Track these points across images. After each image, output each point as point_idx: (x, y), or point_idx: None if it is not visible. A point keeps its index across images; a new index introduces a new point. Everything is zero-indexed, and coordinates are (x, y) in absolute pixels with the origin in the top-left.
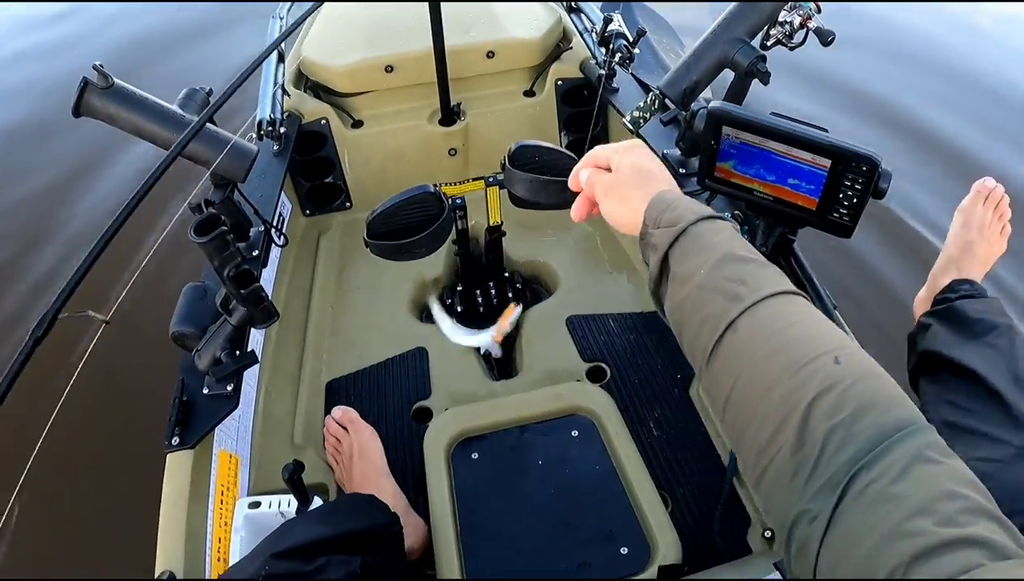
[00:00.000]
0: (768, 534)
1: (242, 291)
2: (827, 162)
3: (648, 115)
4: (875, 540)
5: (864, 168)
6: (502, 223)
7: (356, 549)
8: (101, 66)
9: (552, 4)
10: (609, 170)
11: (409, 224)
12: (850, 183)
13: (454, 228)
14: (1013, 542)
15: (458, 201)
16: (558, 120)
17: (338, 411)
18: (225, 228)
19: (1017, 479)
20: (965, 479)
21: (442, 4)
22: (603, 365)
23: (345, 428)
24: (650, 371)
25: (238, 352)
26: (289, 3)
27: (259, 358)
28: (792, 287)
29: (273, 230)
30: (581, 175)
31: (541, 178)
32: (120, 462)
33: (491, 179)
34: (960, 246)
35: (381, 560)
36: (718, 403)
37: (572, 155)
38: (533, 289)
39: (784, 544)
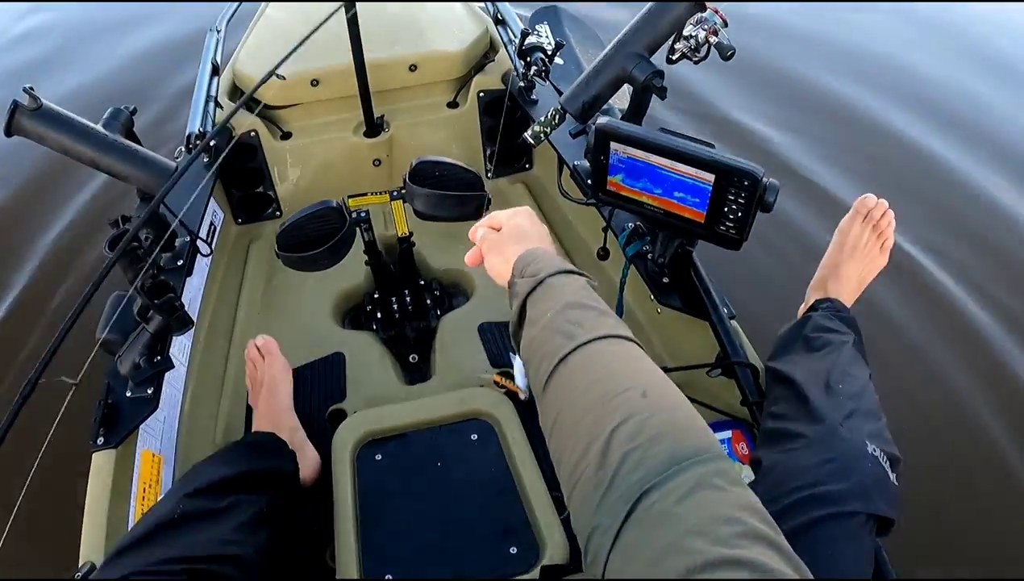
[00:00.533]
0: None
1: (156, 301)
2: (711, 177)
3: (549, 129)
4: (653, 554)
5: (746, 182)
6: (411, 234)
7: (261, 487)
8: (31, 89)
9: (482, 15)
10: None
11: (315, 237)
12: (734, 197)
13: (362, 240)
14: (787, 566)
15: (361, 214)
16: (480, 131)
17: (260, 339)
18: (136, 243)
19: (798, 462)
20: (748, 506)
21: (370, 18)
22: (510, 371)
23: (264, 357)
24: None
25: (157, 358)
26: (228, 17)
27: (185, 362)
28: (627, 334)
29: (199, 240)
30: (477, 232)
31: (438, 193)
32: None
33: (395, 194)
34: (830, 267)
35: (286, 498)
36: (547, 430)
37: (472, 169)
38: (452, 296)
39: (583, 555)
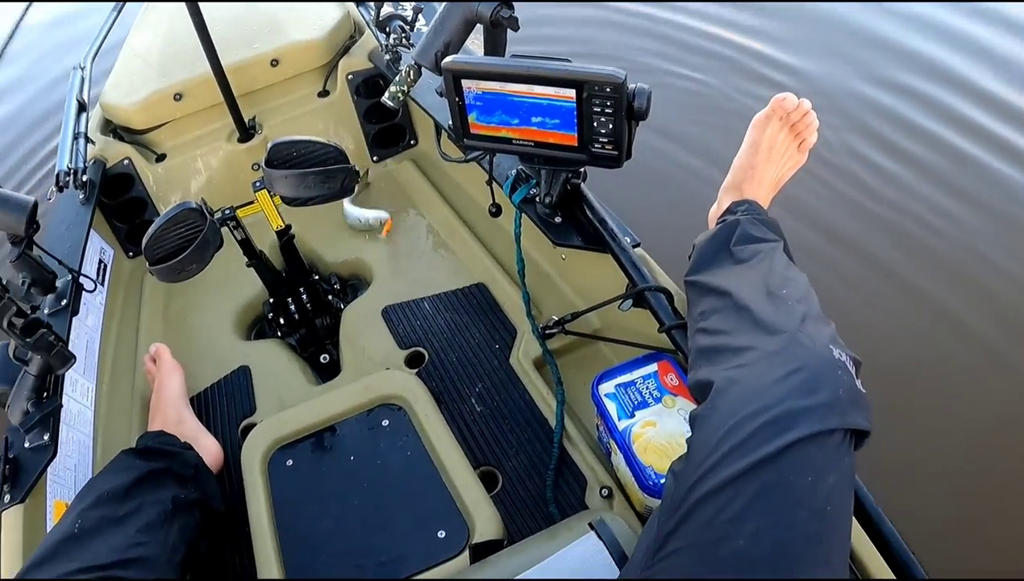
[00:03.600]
0: (605, 492)
1: (28, 338)
2: (571, 92)
3: (406, 88)
4: None
5: (608, 90)
6: (289, 227)
7: (162, 485)
8: None
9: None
10: None
11: (179, 244)
12: (599, 110)
13: (233, 239)
14: None
15: (226, 212)
16: (357, 114)
17: (153, 346)
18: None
19: (759, 378)
20: None
21: (223, 21)
22: (420, 349)
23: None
24: (468, 347)
25: (44, 399)
26: (92, 53)
27: (91, 405)
28: None
29: (83, 277)
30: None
31: (298, 172)
32: None
33: (258, 184)
34: (743, 168)
35: (195, 490)
36: None
37: (332, 144)
38: (353, 287)
39: None
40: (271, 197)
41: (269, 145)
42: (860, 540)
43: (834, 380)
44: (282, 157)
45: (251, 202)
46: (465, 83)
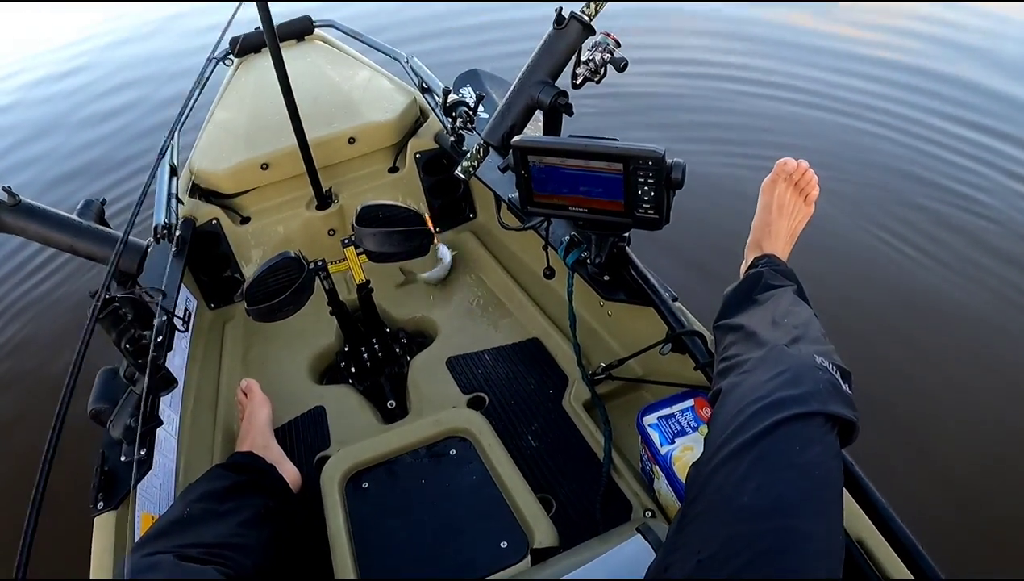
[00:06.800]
0: (648, 514)
1: (139, 361)
2: (620, 166)
3: (476, 163)
4: None
5: (651, 163)
6: (368, 282)
7: (254, 493)
8: (9, 188)
9: (408, 87)
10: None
11: (277, 288)
12: (643, 180)
13: (323, 289)
14: None
15: (319, 263)
16: (423, 189)
17: (244, 381)
18: (117, 305)
19: (754, 379)
20: None
21: (307, 101)
22: (482, 394)
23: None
24: (525, 391)
25: (146, 416)
26: (179, 124)
27: (175, 434)
28: None
29: (176, 318)
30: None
31: (385, 231)
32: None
33: (347, 241)
34: (760, 227)
35: (278, 504)
36: None
37: (413, 209)
38: (418, 342)
39: None
40: (357, 254)
41: (359, 206)
42: (877, 543)
43: (814, 378)
44: (370, 217)
45: (336, 261)
46: (531, 158)
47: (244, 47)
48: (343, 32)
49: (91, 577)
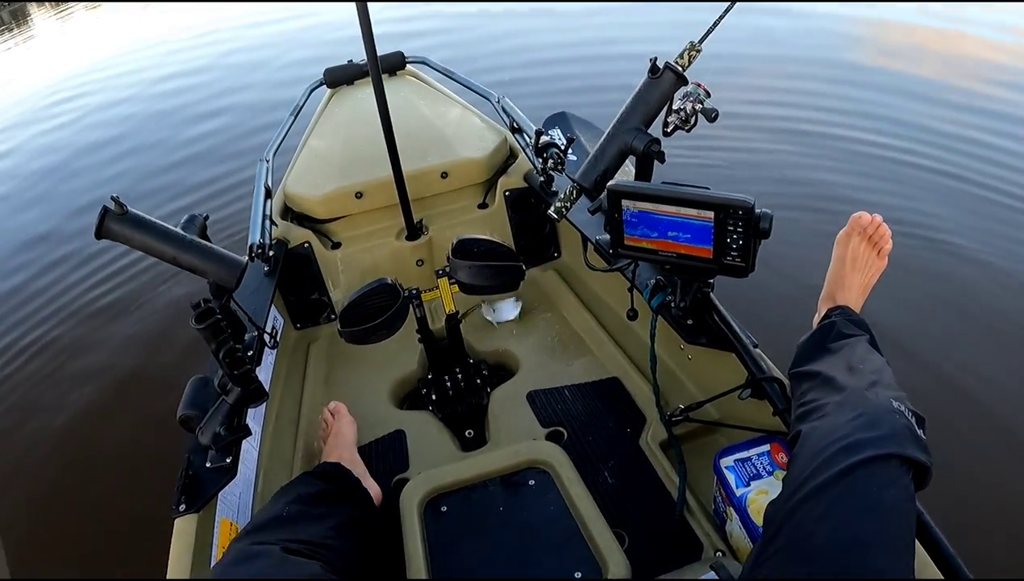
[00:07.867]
0: (720, 554)
1: (235, 372)
2: (711, 214)
3: (569, 204)
4: None
5: (741, 213)
6: (458, 312)
7: (343, 501)
8: (117, 197)
9: (499, 127)
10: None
11: (372, 311)
12: (732, 228)
13: (413, 316)
14: None
15: (413, 290)
16: (510, 226)
17: (332, 403)
18: (219, 316)
19: (833, 422)
20: None
21: (403, 135)
22: (560, 428)
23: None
24: (602, 429)
25: (235, 426)
26: (274, 149)
27: (257, 446)
28: None
29: (265, 334)
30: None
31: (479, 264)
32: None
33: (440, 272)
34: (834, 279)
35: (363, 516)
36: None
37: (506, 245)
38: (499, 374)
39: None
40: (449, 284)
41: (456, 239)
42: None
43: (892, 422)
44: (466, 250)
45: (427, 290)
46: (624, 202)
47: (337, 78)
48: (435, 69)
49: (168, 577)
